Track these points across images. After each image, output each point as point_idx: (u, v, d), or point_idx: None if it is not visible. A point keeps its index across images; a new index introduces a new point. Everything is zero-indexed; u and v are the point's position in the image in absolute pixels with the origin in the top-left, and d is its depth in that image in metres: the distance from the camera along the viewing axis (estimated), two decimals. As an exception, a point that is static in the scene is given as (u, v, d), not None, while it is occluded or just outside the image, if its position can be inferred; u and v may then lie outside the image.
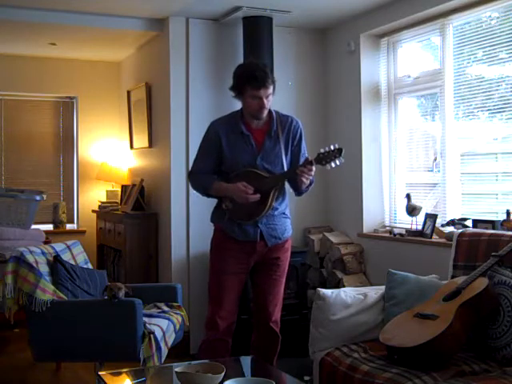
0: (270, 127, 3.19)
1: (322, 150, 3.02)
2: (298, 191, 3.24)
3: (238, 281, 3.23)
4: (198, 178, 3.28)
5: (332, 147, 3.01)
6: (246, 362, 2.96)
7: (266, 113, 3.13)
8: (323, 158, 3.00)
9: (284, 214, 3.27)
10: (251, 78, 3.06)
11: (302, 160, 3.19)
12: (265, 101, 3.07)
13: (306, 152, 3.28)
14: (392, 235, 4.50)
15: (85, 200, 6.30)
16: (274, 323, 3.31)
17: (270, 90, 3.08)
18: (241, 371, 2.84)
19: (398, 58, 4.77)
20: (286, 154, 3.20)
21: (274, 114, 3.23)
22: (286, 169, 3.17)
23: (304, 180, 3.04)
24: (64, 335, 3.44)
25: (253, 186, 3.06)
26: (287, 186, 3.31)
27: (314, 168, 3.02)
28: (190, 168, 3.44)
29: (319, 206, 5.25)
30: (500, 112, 3.98)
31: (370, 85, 4.85)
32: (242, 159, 3.15)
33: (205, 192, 3.29)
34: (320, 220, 5.24)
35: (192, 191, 3.57)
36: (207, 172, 3.24)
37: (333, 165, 3.01)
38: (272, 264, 3.26)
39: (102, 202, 5.94)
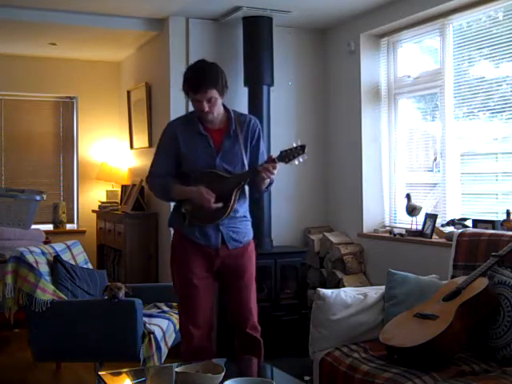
0: (229, 127, 3.08)
1: (284, 149, 2.94)
2: (259, 191, 3.13)
3: (205, 286, 3.08)
4: (159, 181, 3.13)
5: (295, 144, 2.93)
6: (246, 362, 2.96)
7: (211, 116, 3.00)
8: (286, 156, 2.91)
9: (245, 216, 3.16)
10: (188, 81, 2.96)
11: (260, 159, 3.10)
12: (205, 104, 2.93)
13: (264, 151, 3.18)
14: (392, 235, 4.50)
15: (85, 200, 6.30)
16: (252, 329, 3.15)
17: (211, 93, 2.91)
18: (240, 371, 2.83)
19: (398, 58, 4.78)
20: (246, 154, 3.10)
21: (231, 113, 3.12)
22: (246, 168, 3.07)
23: (265, 177, 2.92)
24: (64, 335, 3.44)
25: (214, 188, 2.95)
26: (246, 187, 3.21)
27: (277, 166, 2.93)
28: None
29: (319, 206, 5.25)
30: (500, 112, 3.98)
31: (370, 85, 4.85)
32: (201, 160, 3.04)
33: (166, 196, 3.15)
34: (320, 220, 5.24)
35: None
36: (166, 174, 3.11)
37: (296, 162, 2.92)
38: (237, 270, 3.12)
39: (102, 202, 5.94)
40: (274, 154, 2.96)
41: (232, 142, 3.07)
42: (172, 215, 3.19)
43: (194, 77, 2.95)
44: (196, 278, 3.05)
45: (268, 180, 3.00)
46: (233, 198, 2.99)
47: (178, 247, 3.14)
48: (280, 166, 2.94)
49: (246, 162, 3.08)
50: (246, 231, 3.15)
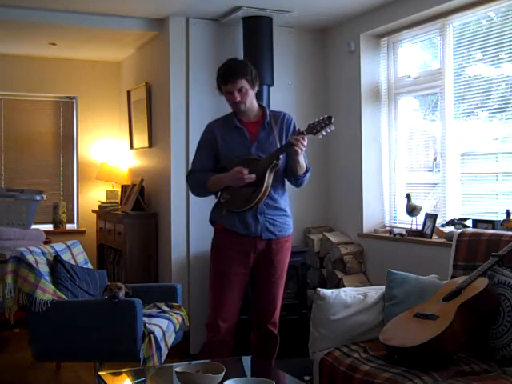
0: (264, 119, 3.25)
1: (311, 121, 3.06)
2: (295, 176, 3.21)
3: (239, 282, 3.21)
4: (196, 176, 3.30)
5: (321, 117, 3.05)
6: (246, 362, 2.96)
7: (244, 106, 3.18)
8: (314, 127, 3.03)
9: (285, 210, 3.26)
10: (220, 74, 3.17)
11: None
12: (236, 94, 3.13)
13: None
14: (392, 235, 4.49)
15: (85, 200, 6.30)
16: (273, 324, 3.30)
17: (241, 83, 3.12)
18: (241, 371, 2.83)
19: (398, 57, 4.77)
20: (281, 144, 3.20)
21: (266, 108, 3.31)
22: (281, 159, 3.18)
23: (298, 149, 3.01)
24: (64, 335, 3.44)
25: (248, 169, 3.07)
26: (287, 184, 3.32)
27: (305, 138, 3.03)
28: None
29: (319, 206, 5.25)
30: (500, 112, 3.98)
31: (369, 85, 4.85)
32: (237, 151, 3.19)
33: (203, 188, 3.28)
34: (320, 220, 5.24)
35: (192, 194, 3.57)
36: (205, 170, 3.27)
37: (324, 133, 3.03)
38: (271, 265, 3.24)
39: (102, 202, 5.94)
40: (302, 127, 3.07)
41: (267, 133, 3.22)
42: (212, 211, 3.33)
43: (225, 70, 3.16)
44: (232, 274, 3.18)
45: (303, 163, 3.11)
46: (266, 176, 3.07)
47: (217, 243, 3.28)
48: (309, 138, 3.04)
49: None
50: (284, 226, 3.25)
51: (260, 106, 3.31)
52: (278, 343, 3.33)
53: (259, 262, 3.23)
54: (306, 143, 3.04)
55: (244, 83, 3.13)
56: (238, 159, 3.15)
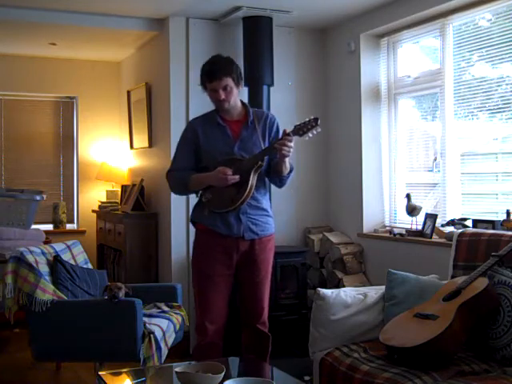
0: (247, 118, 3.19)
1: (297, 123, 3.00)
2: (279, 176, 3.16)
3: (225, 283, 3.16)
4: (177, 175, 3.22)
5: (307, 118, 2.99)
6: (246, 362, 2.96)
7: (227, 105, 3.12)
8: (300, 129, 2.98)
9: (266, 211, 3.21)
10: (205, 72, 3.11)
11: None
12: (221, 92, 3.06)
13: None
14: (392, 235, 4.49)
15: (85, 200, 6.30)
16: (262, 324, 3.26)
17: (226, 81, 3.06)
18: (241, 371, 2.83)
19: (398, 57, 4.77)
20: (264, 144, 3.16)
21: (249, 107, 3.25)
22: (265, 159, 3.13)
23: (285, 151, 2.96)
24: (64, 335, 3.44)
25: (232, 170, 3.01)
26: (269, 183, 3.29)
27: (292, 140, 2.98)
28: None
29: (319, 206, 5.25)
30: (500, 112, 3.98)
31: (369, 85, 4.85)
32: (220, 150, 3.13)
33: (184, 188, 3.22)
34: (320, 220, 5.24)
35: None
36: (186, 169, 3.20)
37: (310, 135, 2.98)
38: (255, 265, 3.18)
39: (102, 202, 5.94)
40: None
41: (250, 132, 3.17)
42: (193, 210, 3.27)
43: (209, 67, 3.10)
44: (216, 275, 3.13)
45: (288, 164, 3.08)
46: (251, 177, 3.03)
47: (199, 243, 3.22)
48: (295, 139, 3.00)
49: None
50: (266, 226, 3.21)
51: (243, 104, 3.26)
52: (271, 342, 3.28)
53: (243, 262, 3.17)
54: (292, 145, 2.99)
55: (229, 81, 3.07)
56: (220, 159, 3.09)
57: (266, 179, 3.24)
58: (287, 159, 3.06)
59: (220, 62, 3.13)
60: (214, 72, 3.06)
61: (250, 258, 3.17)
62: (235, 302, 3.32)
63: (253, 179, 3.04)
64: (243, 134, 3.16)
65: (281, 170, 3.11)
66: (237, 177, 3.01)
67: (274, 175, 3.19)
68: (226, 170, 3.00)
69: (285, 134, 2.99)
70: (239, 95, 3.22)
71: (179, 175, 3.21)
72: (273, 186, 3.37)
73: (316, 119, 2.97)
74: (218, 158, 3.11)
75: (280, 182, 3.23)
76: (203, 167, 3.17)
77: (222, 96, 3.07)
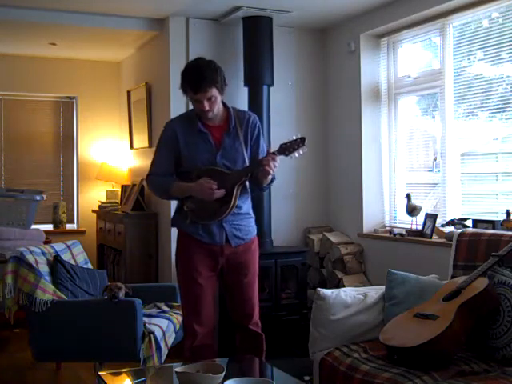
0: (229, 124, 3.08)
1: (284, 141, 2.94)
2: (260, 188, 3.11)
3: (210, 284, 3.11)
4: (157, 180, 3.13)
5: (294, 137, 2.93)
6: (246, 362, 2.96)
7: (211, 114, 3.00)
8: (286, 149, 2.91)
9: (248, 213, 3.16)
10: (187, 81, 2.95)
11: (261, 155, 3.08)
12: (205, 104, 2.93)
13: (265, 148, 3.17)
14: (392, 235, 4.49)
15: (85, 200, 6.30)
16: (255, 325, 3.20)
17: (211, 92, 2.91)
18: (240, 371, 2.83)
19: (398, 57, 4.78)
20: (247, 150, 3.09)
21: (231, 110, 3.12)
22: (247, 165, 3.07)
23: (269, 170, 2.90)
24: (64, 335, 3.44)
25: (216, 183, 2.94)
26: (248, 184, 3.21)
27: (277, 159, 2.92)
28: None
29: (319, 206, 5.25)
30: (500, 112, 3.98)
31: (369, 85, 4.85)
32: (202, 158, 3.03)
33: (165, 194, 3.15)
34: (320, 220, 5.24)
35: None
36: (166, 173, 3.11)
37: (296, 154, 2.92)
38: (241, 268, 3.13)
39: (102, 202, 5.94)
40: (274, 148, 2.95)
41: (232, 138, 3.07)
42: (175, 215, 3.18)
43: (193, 77, 2.93)
44: (200, 277, 3.07)
45: (270, 176, 2.99)
46: (234, 193, 2.97)
47: (182, 246, 3.14)
48: (281, 159, 2.92)
49: (246, 159, 3.07)
50: (250, 228, 3.16)
51: (225, 106, 3.12)
52: (264, 341, 3.23)
53: (228, 266, 3.12)
54: (277, 164, 2.93)
55: (214, 92, 2.92)
56: (203, 167, 3.01)
57: (247, 183, 3.15)
58: (270, 175, 2.98)
59: (204, 70, 2.92)
60: (198, 84, 2.90)
61: (235, 261, 3.11)
62: (226, 303, 3.30)
63: (236, 193, 2.98)
64: (225, 141, 3.05)
65: (262, 182, 3.03)
66: (222, 191, 2.93)
67: (255, 185, 3.12)
68: (211, 183, 2.92)
69: (269, 153, 2.93)
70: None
71: (160, 181, 3.12)
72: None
73: (303, 139, 2.90)
74: (199, 165, 3.02)
75: (260, 190, 3.17)
76: (184, 172, 3.08)
77: (207, 107, 2.95)
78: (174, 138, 3.07)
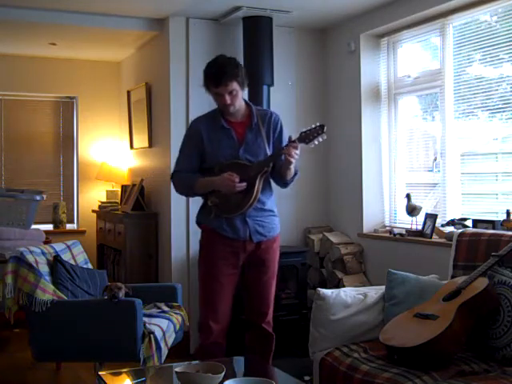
0: (251, 120, 3.17)
1: (303, 129, 3.01)
2: (283, 181, 3.17)
3: (230, 282, 3.16)
4: (182, 177, 3.22)
5: (313, 125, 3.00)
6: (246, 362, 2.96)
7: (233, 108, 3.10)
8: (306, 137, 2.99)
9: (272, 211, 3.22)
10: (209, 76, 3.06)
11: None
12: (227, 97, 3.04)
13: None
14: (392, 235, 4.49)
15: (85, 200, 6.30)
16: (267, 324, 3.27)
17: (232, 86, 3.02)
18: (241, 371, 2.83)
19: (398, 57, 4.78)
20: (269, 146, 3.16)
21: (253, 107, 3.22)
22: None
23: (290, 159, 2.97)
24: (64, 335, 3.44)
25: (238, 176, 3.00)
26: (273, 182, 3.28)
27: (298, 147, 2.99)
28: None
29: (319, 206, 5.25)
30: (500, 112, 3.98)
31: (369, 85, 4.85)
32: (225, 153, 3.12)
33: (190, 190, 3.23)
34: (320, 220, 5.24)
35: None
36: (191, 170, 3.19)
37: (316, 142, 2.99)
38: (261, 266, 3.20)
39: (102, 202, 5.94)
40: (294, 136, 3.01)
41: (254, 134, 3.15)
42: (199, 212, 3.26)
43: (215, 71, 3.04)
44: (221, 275, 3.13)
45: (293, 169, 3.07)
46: (257, 184, 3.03)
47: (205, 242, 3.22)
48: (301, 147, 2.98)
49: (268, 154, 3.14)
50: (273, 226, 3.21)
51: (247, 104, 3.23)
52: (274, 342, 3.30)
53: (249, 262, 3.19)
54: (298, 152, 3.00)
55: (235, 85, 3.03)
56: (226, 162, 3.08)
57: (271, 180, 3.24)
58: (292, 165, 3.06)
59: (226, 65, 3.05)
60: (220, 77, 3.01)
61: (257, 258, 3.18)
62: (238, 302, 3.32)
63: (259, 185, 3.05)
64: (248, 137, 3.15)
65: (285, 174, 3.11)
66: (244, 184, 3.00)
67: (278, 179, 3.20)
68: (233, 176, 2.99)
69: (290, 141, 3.00)
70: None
71: (185, 177, 3.20)
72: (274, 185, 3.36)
73: (322, 126, 2.98)
74: (222, 160, 3.10)
75: (284, 184, 3.24)
76: (207, 168, 3.16)
77: (228, 101, 3.05)
78: (198, 136, 3.17)
